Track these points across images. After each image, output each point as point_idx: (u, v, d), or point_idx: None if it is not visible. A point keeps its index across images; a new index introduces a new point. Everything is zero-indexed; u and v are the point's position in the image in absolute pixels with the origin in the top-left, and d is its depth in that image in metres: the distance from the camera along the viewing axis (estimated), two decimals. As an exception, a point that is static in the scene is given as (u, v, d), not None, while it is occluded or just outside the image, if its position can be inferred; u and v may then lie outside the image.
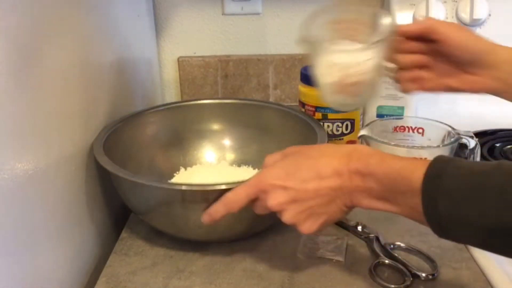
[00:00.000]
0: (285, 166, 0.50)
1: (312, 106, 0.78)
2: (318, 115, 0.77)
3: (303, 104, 0.79)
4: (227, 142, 0.79)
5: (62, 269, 0.56)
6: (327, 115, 0.77)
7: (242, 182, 0.52)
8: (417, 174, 0.42)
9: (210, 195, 0.54)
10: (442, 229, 0.42)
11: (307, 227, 0.50)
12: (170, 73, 1.11)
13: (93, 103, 0.66)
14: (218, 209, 0.53)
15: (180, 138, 0.78)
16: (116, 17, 0.78)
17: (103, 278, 0.57)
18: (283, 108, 0.77)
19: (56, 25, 0.55)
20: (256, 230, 0.62)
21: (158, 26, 1.07)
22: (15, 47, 0.45)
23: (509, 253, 0.40)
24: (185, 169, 0.76)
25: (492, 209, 0.38)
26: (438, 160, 0.43)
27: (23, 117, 0.47)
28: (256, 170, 0.75)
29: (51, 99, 0.53)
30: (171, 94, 1.13)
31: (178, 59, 1.08)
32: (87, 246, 0.63)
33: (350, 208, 0.49)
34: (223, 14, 1.06)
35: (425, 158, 0.65)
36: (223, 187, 0.53)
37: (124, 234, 0.65)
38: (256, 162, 0.75)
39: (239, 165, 0.78)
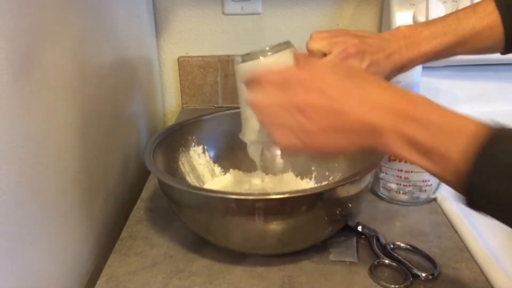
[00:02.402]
0: (340, 80, 0.46)
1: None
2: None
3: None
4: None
5: (62, 269, 0.56)
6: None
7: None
8: (475, 136, 0.37)
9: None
10: (478, 200, 0.38)
11: (326, 140, 0.45)
12: (170, 73, 1.11)
13: (92, 103, 0.66)
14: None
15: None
16: (116, 17, 0.78)
17: (103, 278, 0.57)
18: None
19: (55, 25, 0.55)
20: (307, 244, 0.60)
21: (158, 26, 1.07)
22: (14, 47, 0.45)
23: None
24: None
25: None
26: (501, 130, 0.38)
27: (21, 117, 0.47)
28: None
29: (49, 99, 0.53)
30: (171, 94, 1.13)
31: (178, 59, 1.08)
32: (87, 246, 0.64)
33: (373, 149, 0.44)
34: (223, 14, 1.06)
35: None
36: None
37: (124, 234, 0.65)
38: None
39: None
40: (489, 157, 0.37)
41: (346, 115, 0.44)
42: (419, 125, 0.41)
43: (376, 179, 0.71)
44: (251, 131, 0.60)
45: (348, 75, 0.46)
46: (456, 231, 0.64)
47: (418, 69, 0.83)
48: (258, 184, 0.72)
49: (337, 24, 1.08)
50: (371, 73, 0.56)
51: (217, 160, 0.75)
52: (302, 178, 0.74)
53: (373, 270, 0.56)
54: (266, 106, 0.48)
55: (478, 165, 0.37)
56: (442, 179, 0.41)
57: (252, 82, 0.49)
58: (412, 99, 0.43)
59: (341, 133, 0.44)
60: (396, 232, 0.64)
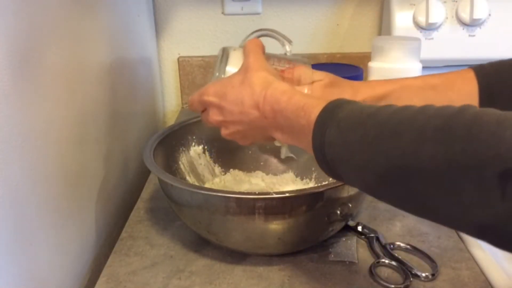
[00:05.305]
0: (223, 85, 0.54)
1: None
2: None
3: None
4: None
5: (62, 269, 0.56)
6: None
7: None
8: (317, 109, 0.43)
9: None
10: (325, 156, 0.41)
11: (242, 143, 0.57)
12: (170, 73, 1.11)
13: (92, 103, 0.66)
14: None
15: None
16: (116, 17, 0.78)
17: (103, 278, 0.57)
18: None
19: (55, 25, 0.55)
20: (307, 244, 0.61)
21: (158, 26, 1.07)
22: (14, 47, 0.45)
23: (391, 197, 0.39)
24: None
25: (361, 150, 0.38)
26: (340, 99, 0.43)
27: (21, 117, 0.47)
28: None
29: (49, 100, 0.53)
30: (171, 94, 1.13)
31: (178, 59, 1.08)
32: (87, 246, 0.64)
33: (272, 137, 0.52)
34: (223, 14, 1.06)
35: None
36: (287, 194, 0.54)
37: (124, 234, 0.65)
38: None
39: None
40: (327, 114, 0.42)
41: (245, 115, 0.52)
42: (283, 116, 0.48)
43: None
44: None
45: (241, 81, 0.53)
46: (456, 231, 0.64)
47: (418, 70, 0.83)
48: (258, 184, 0.72)
49: (337, 24, 1.08)
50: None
51: (217, 160, 0.75)
52: (302, 178, 0.74)
53: (373, 270, 0.56)
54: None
55: (318, 121, 0.42)
56: (310, 152, 0.44)
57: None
58: (274, 94, 0.49)
59: (246, 133, 0.54)
60: (396, 232, 0.64)
